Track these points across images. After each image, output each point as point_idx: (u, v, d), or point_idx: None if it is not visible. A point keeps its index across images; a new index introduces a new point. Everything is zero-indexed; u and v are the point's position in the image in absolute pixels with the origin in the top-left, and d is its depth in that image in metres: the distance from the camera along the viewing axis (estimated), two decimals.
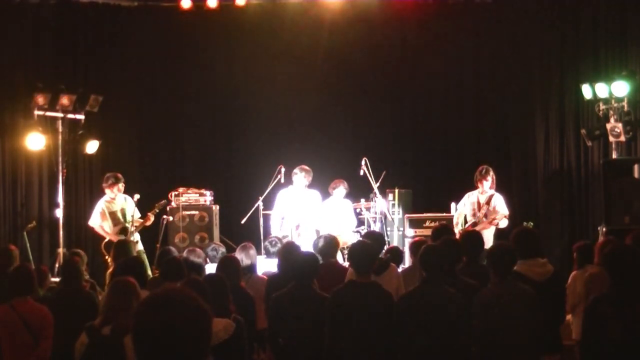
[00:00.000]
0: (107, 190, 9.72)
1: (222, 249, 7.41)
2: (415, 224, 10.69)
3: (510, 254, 5.13)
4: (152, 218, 9.80)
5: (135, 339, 2.17)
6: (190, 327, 2.15)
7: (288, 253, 6.49)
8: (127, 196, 9.80)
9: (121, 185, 9.71)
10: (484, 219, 9.43)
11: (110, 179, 9.69)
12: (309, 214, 9.82)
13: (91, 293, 6.27)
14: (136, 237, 9.67)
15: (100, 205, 9.75)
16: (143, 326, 2.16)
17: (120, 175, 9.76)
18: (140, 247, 9.61)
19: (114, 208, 9.68)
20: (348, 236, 10.09)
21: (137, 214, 9.74)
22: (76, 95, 10.69)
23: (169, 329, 2.13)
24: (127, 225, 9.63)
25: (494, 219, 9.38)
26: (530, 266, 5.46)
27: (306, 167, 9.91)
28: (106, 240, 9.49)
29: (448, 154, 12.17)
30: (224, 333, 4.50)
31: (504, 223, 9.39)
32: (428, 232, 9.64)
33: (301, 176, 9.81)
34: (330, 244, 7.07)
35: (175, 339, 2.13)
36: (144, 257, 9.08)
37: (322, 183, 10.33)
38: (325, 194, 10.28)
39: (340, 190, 10.15)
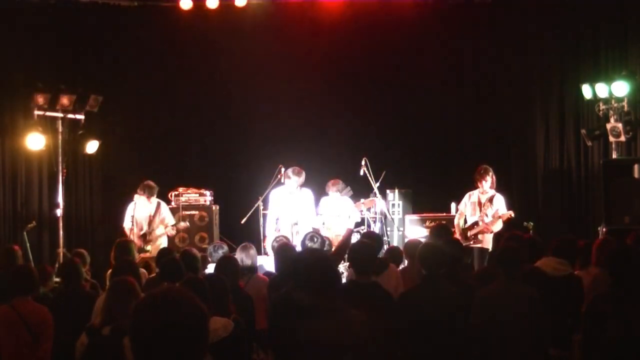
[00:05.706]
0: (140, 196, 9.72)
1: (225, 248, 7.41)
2: (415, 224, 10.70)
3: (519, 255, 5.13)
4: (173, 232, 9.85)
5: (133, 339, 2.17)
6: (188, 327, 2.15)
7: (284, 253, 6.49)
8: (161, 202, 9.85)
9: (148, 192, 9.68)
10: (485, 218, 9.41)
11: (141, 185, 9.70)
12: (304, 212, 9.81)
13: (89, 293, 6.22)
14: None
15: (129, 209, 9.76)
16: (140, 326, 2.15)
17: (151, 183, 9.72)
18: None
19: (139, 213, 9.64)
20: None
21: (171, 220, 9.77)
22: (76, 95, 10.70)
23: (167, 328, 2.12)
24: (145, 232, 9.63)
25: (499, 217, 9.32)
26: (549, 261, 5.50)
27: (298, 169, 9.84)
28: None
29: (448, 154, 12.18)
30: (223, 331, 4.50)
31: (497, 227, 9.34)
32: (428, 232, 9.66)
33: (294, 179, 9.69)
34: (316, 241, 7.07)
35: (172, 338, 2.12)
36: (152, 262, 9.02)
37: (322, 183, 10.33)
38: (324, 193, 10.29)
39: (335, 190, 10.16)
